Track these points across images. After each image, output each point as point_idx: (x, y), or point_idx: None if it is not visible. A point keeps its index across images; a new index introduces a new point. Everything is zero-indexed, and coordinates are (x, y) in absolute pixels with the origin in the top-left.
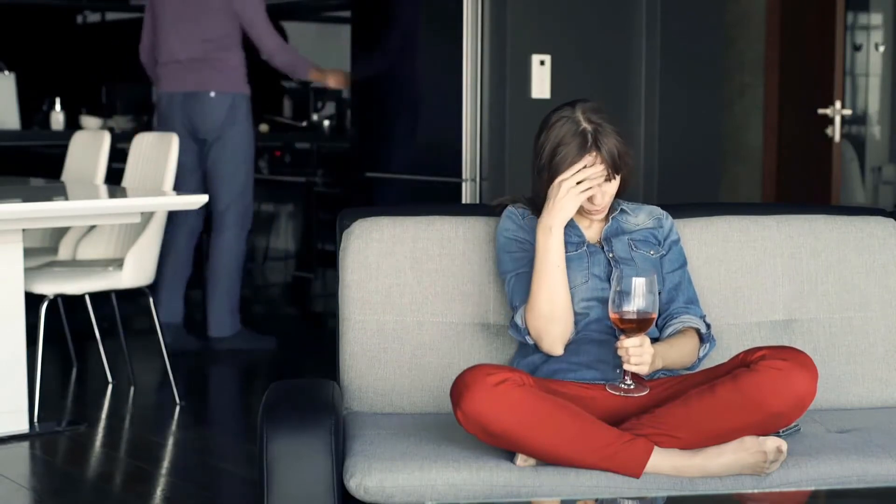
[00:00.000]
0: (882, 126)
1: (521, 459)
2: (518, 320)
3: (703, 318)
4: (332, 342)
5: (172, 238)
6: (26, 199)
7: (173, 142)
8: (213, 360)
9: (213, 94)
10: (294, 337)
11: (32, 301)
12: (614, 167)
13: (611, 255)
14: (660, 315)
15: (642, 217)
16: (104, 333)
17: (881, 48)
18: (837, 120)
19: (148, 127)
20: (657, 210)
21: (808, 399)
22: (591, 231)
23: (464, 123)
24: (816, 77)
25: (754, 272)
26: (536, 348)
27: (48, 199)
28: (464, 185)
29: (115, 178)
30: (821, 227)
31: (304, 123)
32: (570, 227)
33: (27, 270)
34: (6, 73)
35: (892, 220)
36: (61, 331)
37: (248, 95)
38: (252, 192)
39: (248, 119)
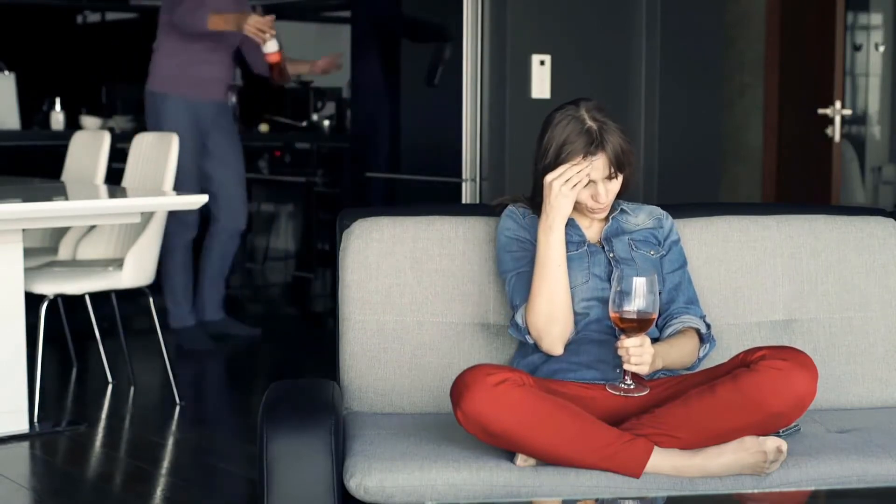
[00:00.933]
0: (882, 126)
1: (521, 459)
2: (518, 319)
3: (703, 318)
4: (332, 342)
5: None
6: (26, 199)
7: (173, 142)
8: (213, 360)
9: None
10: (294, 337)
11: (32, 301)
12: (618, 165)
13: (611, 254)
14: (660, 315)
15: (642, 217)
16: (104, 333)
17: (881, 48)
18: (837, 120)
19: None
20: (657, 210)
21: (808, 399)
22: (592, 231)
23: (464, 123)
24: (816, 77)
25: (754, 272)
26: (536, 348)
27: (48, 199)
28: (464, 185)
29: (115, 178)
30: (821, 227)
31: (304, 123)
32: (571, 226)
33: (27, 270)
34: (6, 73)
35: (892, 220)
36: (61, 331)
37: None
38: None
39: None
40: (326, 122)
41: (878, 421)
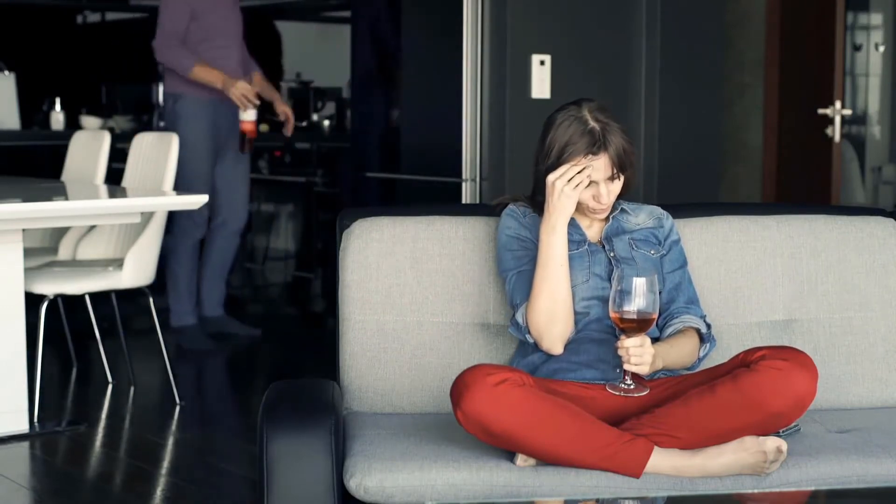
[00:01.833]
0: (882, 126)
1: (521, 459)
2: (519, 318)
3: (703, 318)
4: (332, 342)
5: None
6: (26, 199)
7: (173, 142)
8: (213, 359)
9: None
10: (294, 337)
11: (32, 301)
12: (620, 166)
13: (612, 254)
14: (660, 315)
15: (643, 217)
16: (104, 333)
17: (881, 48)
18: (837, 120)
19: (148, 127)
20: (658, 210)
21: (808, 399)
22: (592, 230)
23: (464, 123)
24: (816, 77)
25: (754, 272)
26: (536, 347)
27: (48, 199)
28: (464, 185)
29: (115, 178)
30: (821, 227)
31: (304, 123)
32: (571, 225)
33: (27, 270)
34: (6, 73)
35: (892, 220)
36: (61, 331)
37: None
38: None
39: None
40: (326, 122)
41: (878, 421)
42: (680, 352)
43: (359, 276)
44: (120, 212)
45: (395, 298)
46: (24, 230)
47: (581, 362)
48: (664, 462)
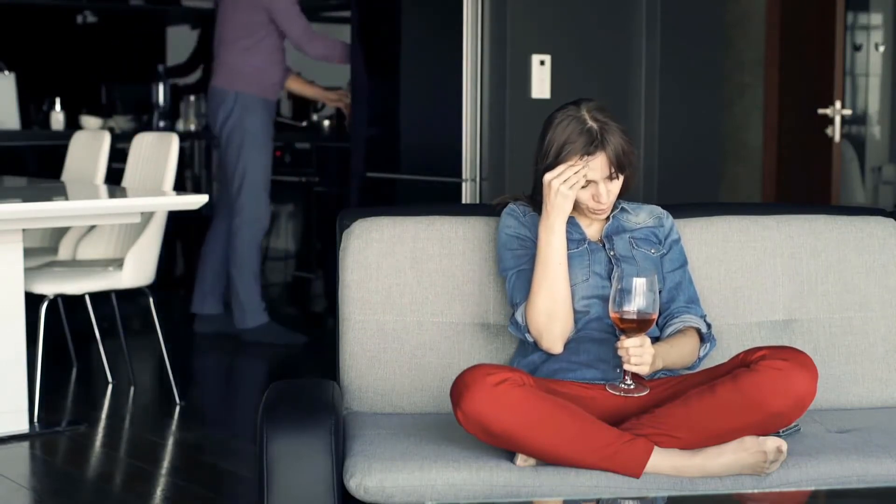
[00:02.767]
0: (882, 126)
1: (521, 459)
2: (518, 318)
3: (703, 317)
4: (332, 342)
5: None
6: (26, 199)
7: (173, 142)
8: (213, 359)
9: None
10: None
11: (32, 301)
12: (619, 166)
13: (612, 252)
14: (660, 314)
15: (643, 216)
16: (104, 333)
17: (881, 48)
18: (837, 120)
19: (148, 127)
20: (658, 209)
21: (808, 399)
22: (592, 229)
23: (464, 123)
24: (816, 77)
25: (754, 272)
26: (536, 347)
27: (48, 199)
28: (464, 185)
29: (115, 178)
30: (821, 227)
31: (304, 123)
32: (572, 224)
33: (27, 270)
34: (6, 73)
35: (892, 220)
36: (61, 331)
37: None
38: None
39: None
40: (326, 122)
41: (878, 421)
42: (680, 352)
43: (359, 276)
44: (120, 212)
45: (395, 298)
46: (24, 230)
47: (581, 362)
48: (664, 462)
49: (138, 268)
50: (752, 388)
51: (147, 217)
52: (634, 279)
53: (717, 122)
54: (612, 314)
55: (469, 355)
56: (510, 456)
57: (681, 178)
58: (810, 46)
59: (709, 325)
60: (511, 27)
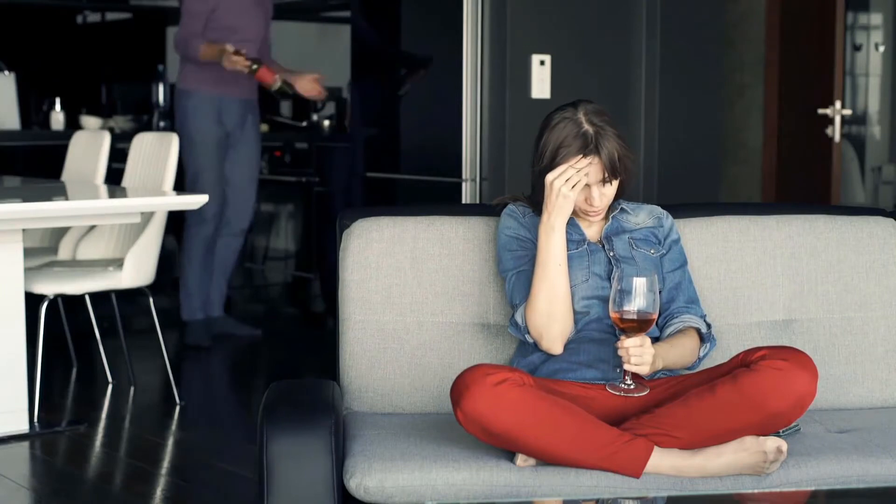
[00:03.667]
0: (882, 126)
1: (521, 459)
2: (518, 318)
3: (703, 317)
4: (332, 342)
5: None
6: (26, 199)
7: (173, 142)
8: (213, 359)
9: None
10: (294, 337)
11: (32, 301)
12: (612, 171)
13: (611, 253)
14: (660, 315)
15: (642, 216)
16: (104, 333)
17: (881, 48)
18: (837, 120)
19: (148, 127)
20: (657, 209)
21: (808, 399)
22: (592, 230)
23: (464, 123)
24: (816, 77)
25: (754, 272)
26: (536, 347)
27: (48, 199)
28: (464, 185)
29: (115, 178)
30: (821, 227)
31: (304, 123)
32: (571, 225)
33: (27, 270)
34: (6, 73)
35: (892, 220)
36: (61, 331)
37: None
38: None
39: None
40: (326, 122)
41: (878, 421)
42: (680, 352)
43: (359, 276)
44: (120, 212)
45: (395, 298)
46: (24, 230)
47: (581, 362)
48: (664, 462)
49: (138, 268)
50: (752, 388)
51: (147, 217)
52: (635, 279)
53: (717, 123)
54: (612, 314)
55: (469, 355)
56: (510, 456)
57: (681, 178)
58: (810, 46)
59: (709, 326)
60: (511, 27)
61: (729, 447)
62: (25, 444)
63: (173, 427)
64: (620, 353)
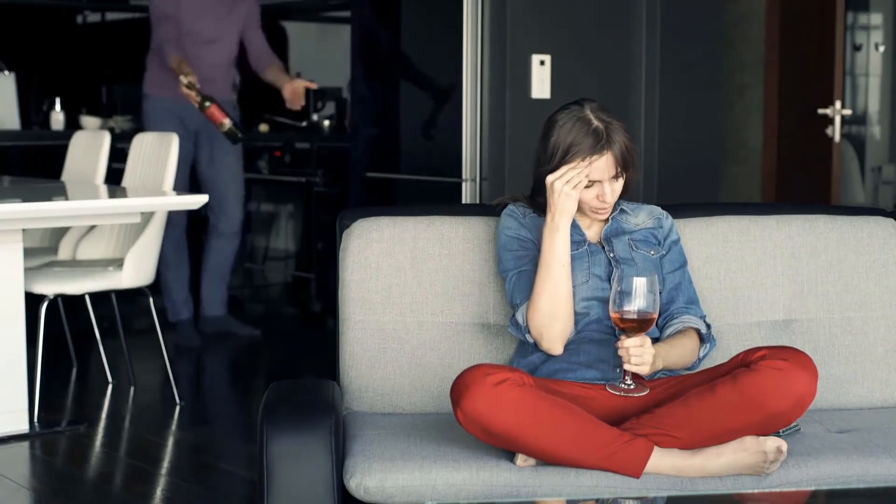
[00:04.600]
0: (882, 126)
1: (521, 459)
2: (519, 318)
3: (703, 318)
4: (332, 342)
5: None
6: (26, 199)
7: (173, 142)
8: (213, 359)
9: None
10: (294, 337)
11: (32, 301)
12: (624, 164)
13: (611, 254)
14: (660, 315)
15: (642, 217)
16: (104, 333)
17: (881, 48)
18: (837, 120)
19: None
20: (657, 210)
21: (808, 399)
22: (592, 231)
23: (464, 123)
24: (816, 77)
25: (754, 272)
26: (536, 347)
27: (48, 199)
28: (464, 185)
29: (115, 178)
30: (821, 227)
31: (304, 123)
32: (571, 226)
33: (27, 270)
34: (6, 73)
35: (892, 220)
36: (61, 331)
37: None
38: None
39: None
40: (326, 122)
41: (878, 421)
42: (680, 352)
43: (359, 276)
44: (120, 212)
45: (395, 298)
46: (24, 230)
47: (581, 362)
48: (664, 462)
49: (138, 268)
50: (752, 388)
51: (147, 217)
52: (635, 279)
53: (717, 123)
54: (612, 314)
55: (469, 355)
56: (510, 456)
57: (681, 178)
58: (810, 46)
59: (708, 326)
60: (511, 27)
61: (729, 447)
62: (25, 444)
63: (173, 427)
64: (620, 353)
